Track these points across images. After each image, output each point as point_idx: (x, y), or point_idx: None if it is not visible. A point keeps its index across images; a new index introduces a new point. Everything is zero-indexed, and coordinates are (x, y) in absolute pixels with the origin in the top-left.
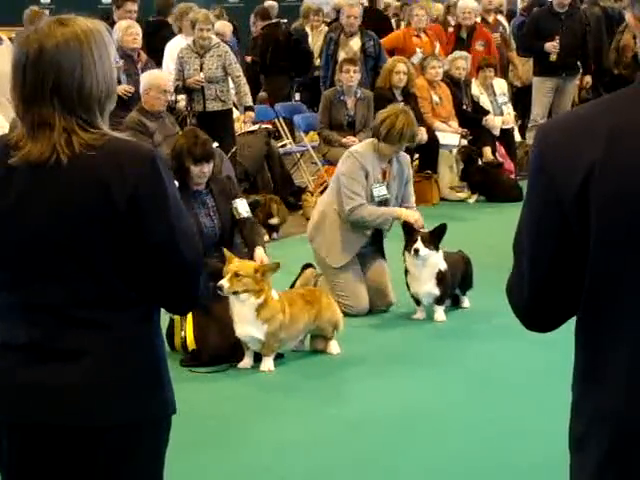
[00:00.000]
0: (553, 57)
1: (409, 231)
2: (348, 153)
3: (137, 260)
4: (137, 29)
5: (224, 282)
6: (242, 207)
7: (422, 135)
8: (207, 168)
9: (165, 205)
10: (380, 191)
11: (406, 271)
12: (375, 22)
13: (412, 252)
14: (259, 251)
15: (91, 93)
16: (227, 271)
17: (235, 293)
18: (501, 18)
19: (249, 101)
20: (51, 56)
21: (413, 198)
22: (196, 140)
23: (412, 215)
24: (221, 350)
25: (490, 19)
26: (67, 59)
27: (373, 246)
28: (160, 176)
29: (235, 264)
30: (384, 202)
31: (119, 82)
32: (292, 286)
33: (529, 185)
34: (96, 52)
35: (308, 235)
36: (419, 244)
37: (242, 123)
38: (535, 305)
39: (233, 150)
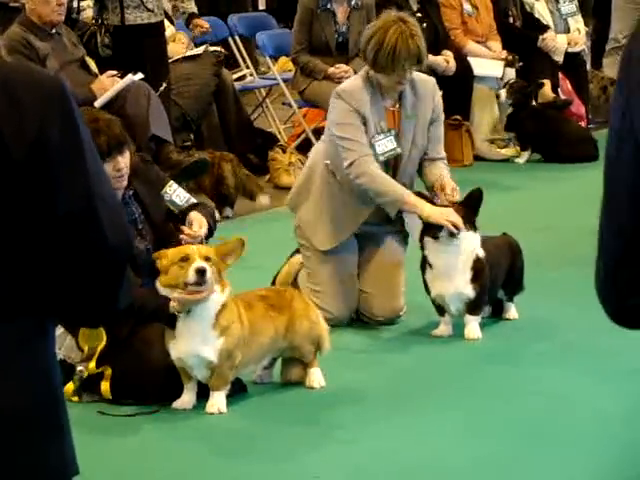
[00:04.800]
0: None
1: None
2: (334, 94)
3: (35, 242)
4: None
5: (205, 264)
6: (178, 196)
7: (448, 63)
8: (123, 161)
9: (80, 159)
10: (386, 145)
11: (424, 264)
12: None
13: (441, 235)
14: (195, 214)
15: None
16: (189, 255)
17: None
18: None
19: (192, 6)
20: None
21: (441, 146)
22: (97, 125)
23: (441, 216)
24: (150, 382)
25: None
26: None
27: (390, 224)
28: (73, 117)
29: (190, 247)
30: (395, 159)
31: None
32: (273, 280)
33: (612, 114)
34: None
35: (289, 202)
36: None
37: (181, 43)
38: (614, 280)
39: (166, 85)
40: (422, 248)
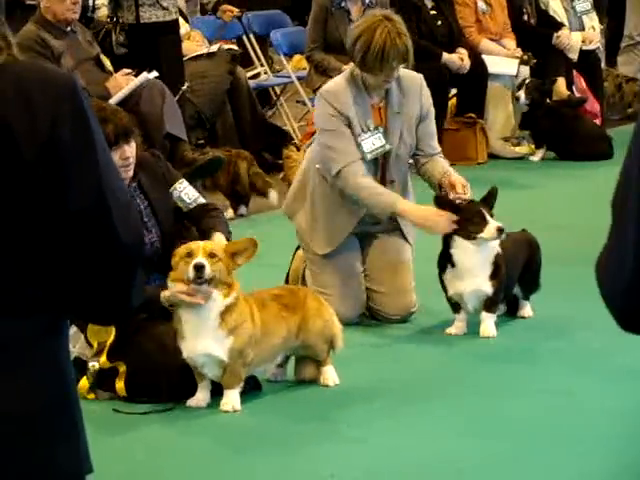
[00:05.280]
0: None
1: (455, 205)
2: (318, 95)
3: (48, 239)
4: None
5: (204, 260)
6: (187, 194)
7: (463, 61)
8: (129, 150)
9: (92, 156)
10: (373, 143)
11: (444, 264)
12: None
13: (479, 237)
14: (219, 237)
15: None
16: (193, 251)
17: (206, 283)
18: None
19: None
20: None
21: (435, 140)
22: (103, 114)
23: (424, 223)
24: (165, 381)
25: None
26: None
27: (388, 222)
28: (84, 115)
29: (197, 243)
30: (383, 157)
31: None
32: (286, 278)
33: None
34: None
35: (284, 210)
36: (494, 221)
37: (195, 41)
38: None
39: (184, 88)
40: (448, 246)
